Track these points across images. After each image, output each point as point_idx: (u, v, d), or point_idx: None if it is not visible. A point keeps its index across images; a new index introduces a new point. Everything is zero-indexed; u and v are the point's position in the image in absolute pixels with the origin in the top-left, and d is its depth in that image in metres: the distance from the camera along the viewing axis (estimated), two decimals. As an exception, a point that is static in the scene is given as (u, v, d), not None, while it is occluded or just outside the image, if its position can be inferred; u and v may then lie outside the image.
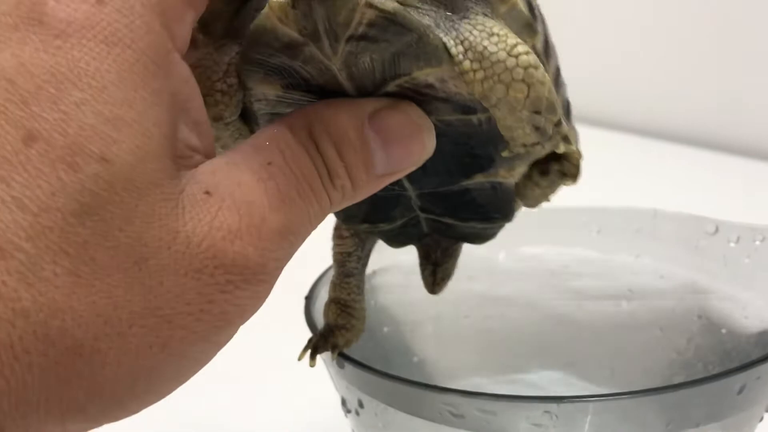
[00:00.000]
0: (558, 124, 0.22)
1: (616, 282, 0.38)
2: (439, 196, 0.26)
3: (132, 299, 0.17)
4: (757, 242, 0.34)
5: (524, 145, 0.22)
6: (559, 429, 0.24)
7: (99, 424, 0.18)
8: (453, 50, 0.20)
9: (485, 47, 0.20)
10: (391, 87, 0.21)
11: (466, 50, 0.20)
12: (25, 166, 0.16)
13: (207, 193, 0.18)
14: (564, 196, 0.27)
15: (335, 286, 0.30)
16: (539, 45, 0.23)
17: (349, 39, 0.20)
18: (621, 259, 0.38)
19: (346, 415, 0.31)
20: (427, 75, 0.21)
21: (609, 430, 0.25)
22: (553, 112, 0.21)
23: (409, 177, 0.24)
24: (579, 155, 0.24)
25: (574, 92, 0.26)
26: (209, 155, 0.19)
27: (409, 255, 0.31)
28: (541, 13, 0.23)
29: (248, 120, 0.23)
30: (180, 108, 0.18)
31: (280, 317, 0.31)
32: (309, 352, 0.29)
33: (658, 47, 0.90)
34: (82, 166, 0.16)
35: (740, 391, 0.24)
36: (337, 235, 0.29)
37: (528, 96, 0.20)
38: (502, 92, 0.20)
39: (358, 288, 0.30)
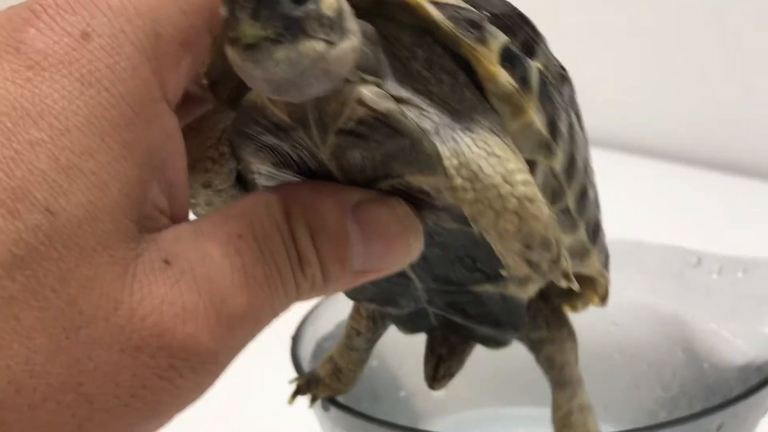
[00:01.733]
0: (556, 261, 0.20)
1: (601, 316, 0.38)
2: (447, 294, 0.24)
3: (52, 370, 0.15)
4: (740, 273, 0.34)
5: (519, 275, 0.21)
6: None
7: None
8: (446, 162, 0.18)
9: (480, 167, 0.18)
10: (383, 185, 0.19)
11: (460, 166, 0.18)
12: None
13: (166, 262, 0.16)
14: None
15: (338, 351, 0.29)
16: (558, 165, 0.21)
17: (339, 132, 0.18)
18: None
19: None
20: (419, 182, 0.19)
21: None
22: (547, 250, 0.19)
23: (415, 272, 0.23)
24: (606, 280, 0.24)
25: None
26: (178, 221, 0.18)
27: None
28: (571, 129, 0.21)
29: (247, 188, 0.22)
30: (156, 165, 0.17)
31: (267, 354, 0.31)
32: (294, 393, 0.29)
33: (645, 63, 0.91)
34: (23, 214, 0.15)
35: (719, 428, 0.24)
36: (355, 310, 0.28)
37: (519, 230, 0.19)
38: (492, 220, 0.19)
39: (359, 362, 0.29)
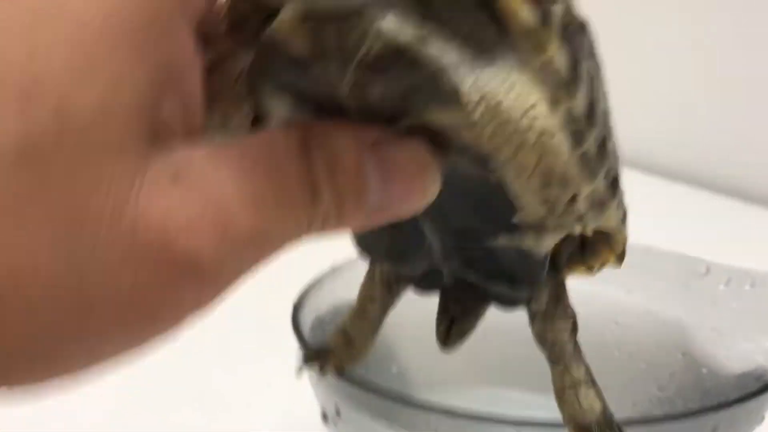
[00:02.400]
0: (572, 201, 0.20)
1: (604, 314, 0.38)
2: (462, 249, 0.24)
3: (54, 268, 0.15)
4: (747, 287, 0.35)
5: (533, 218, 0.20)
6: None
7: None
8: (466, 96, 0.18)
9: (500, 102, 0.18)
10: (401, 125, 0.19)
11: (480, 100, 0.18)
12: None
13: (175, 176, 0.16)
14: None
15: (350, 320, 0.29)
16: (578, 107, 0.20)
17: (358, 66, 0.18)
18: (610, 293, 0.38)
19: (324, 424, 0.31)
20: (438, 118, 0.19)
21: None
22: (565, 187, 0.19)
23: (432, 225, 0.23)
24: (624, 237, 0.23)
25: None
26: (192, 135, 0.17)
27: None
28: (591, 74, 0.21)
29: (261, 126, 0.21)
30: (171, 77, 0.16)
31: (269, 321, 0.32)
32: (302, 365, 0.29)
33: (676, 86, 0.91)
34: (33, 112, 0.14)
35: (713, 431, 0.24)
36: (369, 276, 0.28)
37: (538, 164, 0.19)
38: (510, 155, 0.18)
39: (372, 332, 0.29)
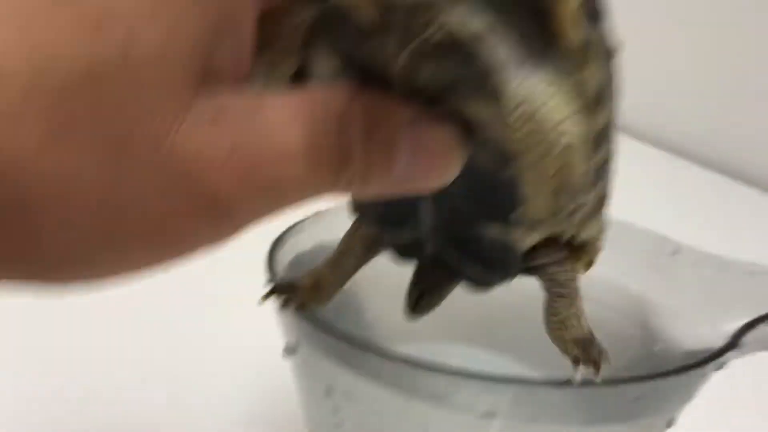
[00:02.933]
0: (574, 212, 0.22)
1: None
2: (451, 230, 0.26)
3: (95, 182, 0.16)
4: (710, 271, 0.35)
5: (533, 219, 0.22)
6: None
7: (24, 278, 0.17)
8: (509, 97, 0.20)
9: (537, 109, 0.20)
10: (440, 109, 0.20)
11: (521, 103, 0.20)
12: (47, 13, 0.16)
13: (215, 117, 0.17)
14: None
15: (323, 267, 0.30)
16: (594, 129, 0.22)
17: (417, 48, 0.19)
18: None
19: (284, 357, 0.32)
20: (477, 110, 0.20)
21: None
22: (573, 199, 0.21)
23: (434, 201, 0.24)
24: (597, 249, 0.26)
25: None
26: (239, 79, 0.19)
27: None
28: (612, 98, 0.22)
29: (303, 81, 0.23)
30: (228, 27, 0.18)
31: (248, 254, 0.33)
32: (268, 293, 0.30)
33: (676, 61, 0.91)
34: (104, 41, 0.16)
35: (636, 399, 0.25)
36: (353, 230, 0.30)
37: (556, 174, 0.21)
38: (535, 159, 0.20)
39: (341, 281, 0.30)
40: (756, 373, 0.37)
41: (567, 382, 0.25)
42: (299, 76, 0.23)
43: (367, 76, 0.20)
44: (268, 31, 0.21)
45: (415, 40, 0.19)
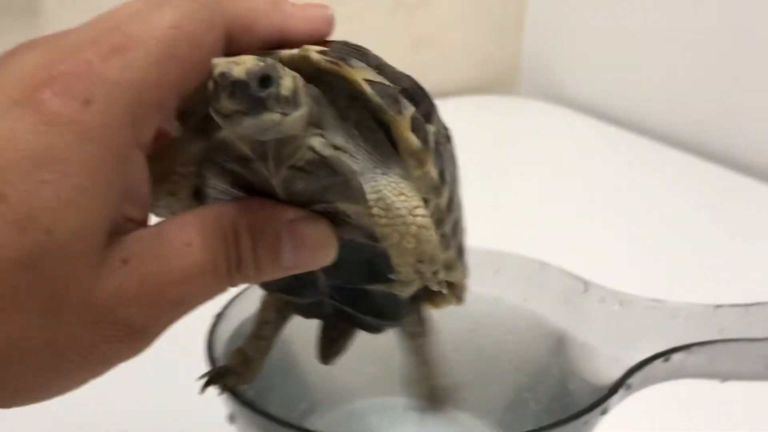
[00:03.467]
0: (436, 273, 0.27)
1: (503, 324, 0.42)
2: (345, 290, 0.31)
3: (38, 335, 0.21)
4: (616, 306, 0.38)
5: (407, 278, 0.27)
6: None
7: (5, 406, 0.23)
8: (368, 196, 0.25)
9: (393, 202, 0.25)
10: (317, 207, 0.26)
11: (378, 199, 0.25)
12: None
13: (123, 261, 0.22)
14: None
15: (248, 341, 0.35)
16: (443, 203, 0.28)
17: (290, 167, 0.24)
18: (510, 301, 0.42)
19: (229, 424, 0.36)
20: (346, 208, 0.26)
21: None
22: (432, 265, 0.27)
23: (325, 272, 0.29)
24: (465, 286, 0.31)
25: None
26: (143, 224, 0.24)
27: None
28: (452, 176, 0.29)
29: (201, 199, 0.27)
30: (127, 189, 0.23)
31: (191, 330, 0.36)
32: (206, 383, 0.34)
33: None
34: (30, 232, 0.20)
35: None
36: (264, 304, 0.34)
37: (415, 248, 0.26)
38: (397, 239, 0.26)
39: (265, 350, 0.35)
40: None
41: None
42: (196, 197, 0.27)
43: (254, 189, 0.25)
44: (162, 166, 0.26)
45: (288, 162, 0.24)
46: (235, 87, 0.21)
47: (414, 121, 0.26)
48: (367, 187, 0.25)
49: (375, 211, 0.25)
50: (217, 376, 0.33)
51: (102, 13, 0.23)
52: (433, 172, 0.27)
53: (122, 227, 0.23)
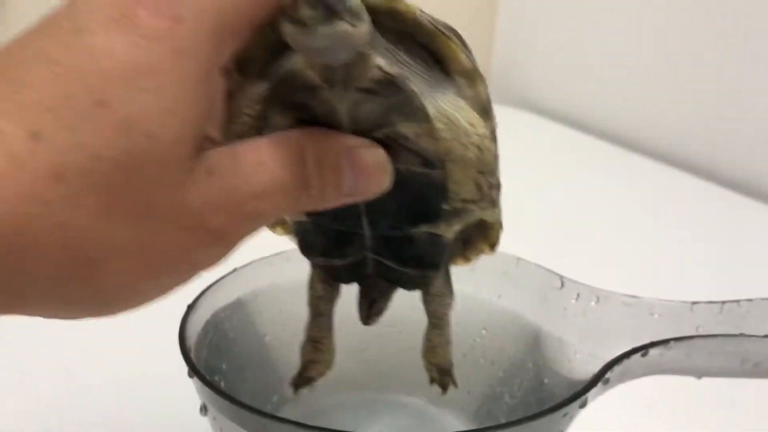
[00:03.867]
0: (492, 187, 0.28)
1: (477, 320, 0.42)
2: (388, 240, 0.31)
3: (136, 236, 0.23)
4: (593, 303, 0.38)
5: (464, 200, 0.29)
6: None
7: (82, 316, 0.24)
8: (430, 112, 0.27)
9: (454, 115, 0.27)
10: (378, 134, 0.27)
11: (440, 115, 0.27)
12: (92, 122, 0.21)
13: (208, 172, 0.24)
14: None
15: (309, 326, 0.36)
16: (491, 125, 0.29)
17: (357, 89, 0.26)
18: (484, 297, 0.42)
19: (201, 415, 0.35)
20: (407, 129, 0.27)
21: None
22: (493, 175, 0.28)
23: (369, 218, 0.30)
24: (500, 227, 0.32)
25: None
26: (218, 144, 0.26)
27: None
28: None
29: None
30: (213, 108, 0.25)
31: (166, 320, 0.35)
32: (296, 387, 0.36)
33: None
34: (132, 136, 0.22)
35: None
36: (311, 284, 0.35)
37: (478, 158, 0.27)
38: (461, 151, 0.27)
39: (329, 327, 0.36)
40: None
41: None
42: (263, 128, 0.28)
43: (317, 120, 0.27)
44: (229, 109, 0.27)
45: (355, 84, 0.26)
46: None
47: (462, 44, 0.28)
48: (428, 104, 0.27)
49: (438, 125, 0.27)
50: (300, 376, 0.35)
51: None
52: (484, 90, 0.28)
53: (208, 144, 0.24)
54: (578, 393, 0.31)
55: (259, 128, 0.28)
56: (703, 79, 0.90)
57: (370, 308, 0.35)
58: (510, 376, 0.40)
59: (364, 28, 0.24)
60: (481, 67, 0.28)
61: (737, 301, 0.37)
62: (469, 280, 0.42)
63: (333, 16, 0.23)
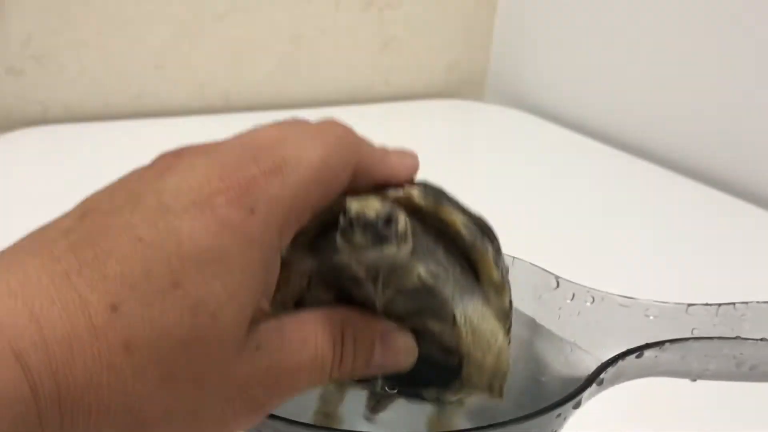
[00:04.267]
0: (501, 387, 0.31)
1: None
2: (402, 385, 0.34)
3: (186, 404, 0.24)
4: (588, 303, 0.38)
5: (474, 386, 0.31)
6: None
7: None
8: (458, 318, 0.30)
9: (479, 325, 0.30)
10: (408, 323, 0.30)
11: (466, 321, 0.30)
12: (166, 301, 0.23)
13: (257, 347, 0.26)
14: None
15: (316, 418, 0.37)
16: (508, 326, 0.32)
17: (396, 290, 0.29)
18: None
19: None
20: (434, 326, 0.30)
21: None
22: (503, 380, 0.31)
23: (384, 378, 0.33)
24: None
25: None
26: (266, 312, 0.28)
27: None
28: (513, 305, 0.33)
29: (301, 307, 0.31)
30: (268, 288, 0.28)
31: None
32: None
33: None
34: (199, 317, 0.24)
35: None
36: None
37: (494, 366, 0.30)
38: (480, 357, 0.30)
39: (339, 400, 0.37)
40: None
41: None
42: (297, 306, 0.31)
43: (354, 302, 0.29)
44: (282, 276, 0.29)
45: (395, 286, 0.29)
46: (367, 225, 0.26)
47: (495, 257, 0.31)
48: (457, 311, 0.30)
49: (464, 331, 0.30)
50: None
51: (249, 131, 0.28)
52: (508, 299, 0.32)
53: (257, 317, 0.26)
54: (572, 394, 0.31)
55: (303, 296, 0.31)
56: (703, 82, 0.90)
57: (378, 402, 0.36)
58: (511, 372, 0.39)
59: (408, 248, 0.28)
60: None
61: (733, 304, 0.37)
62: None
63: (382, 241, 0.27)
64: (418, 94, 1.23)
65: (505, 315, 0.32)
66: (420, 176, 0.32)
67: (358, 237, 0.26)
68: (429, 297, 0.29)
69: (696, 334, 0.36)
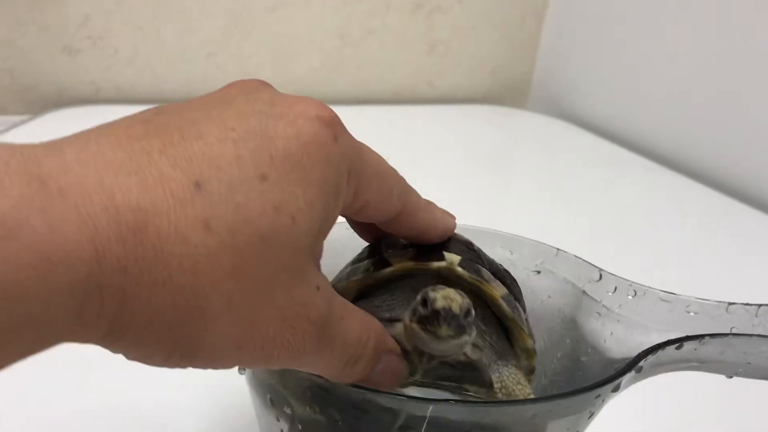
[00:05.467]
0: None
1: (538, 292, 0.42)
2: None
3: (249, 306, 0.24)
4: (629, 296, 0.39)
5: None
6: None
7: (173, 365, 0.24)
8: (495, 384, 0.32)
9: (513, 389, 0.32)
10: (445, 384, 0.32)
11: (502, 387, 0.32)
12: (252, 189, 0.23)
13: (316, 289, 0.26)
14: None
15: None
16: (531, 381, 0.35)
17: (441, 362, 0.31)
18: (542, 279, 0.43)
19: (239, 373, 0.36)
20: (471, 388, 0.32)
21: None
22: None
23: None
24: None
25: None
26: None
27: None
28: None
29: None
30: (327, 226, 0.28)
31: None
32: None
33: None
34: (281, 215, 0.24)
35: (532, 417, 0.29)
36: None
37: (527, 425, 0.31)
38: (515, 419, 0.30)
39: None
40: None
41: (473, 402, 0.29)
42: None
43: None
44: None
45: (441, 358, 0.31)
46: (452, 318, 0.29)
47: (528, 326, 0.35)
48: (494, 376, 0.32)
49: (499, 395, 0.32)
50: None
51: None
52: (535, 362, 0.35)
53: (315, 260, 0.27)
54: (613, 376, 0.31)
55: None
56: (742, 97, 0.90)
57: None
58: (553, 345, 0.40)
59: (473, 334, 0.30)
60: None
61: (773, 305, 0.37)
62: (508, 264, 0.43)
63: (461, 330, 0.29)
64: (460, 98, 1.24)
65: (531, 371, 0.35)
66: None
67: (444, 330, 0.29)
68: (471, 370, 0.32)
69: (735, 332, 0.36)
